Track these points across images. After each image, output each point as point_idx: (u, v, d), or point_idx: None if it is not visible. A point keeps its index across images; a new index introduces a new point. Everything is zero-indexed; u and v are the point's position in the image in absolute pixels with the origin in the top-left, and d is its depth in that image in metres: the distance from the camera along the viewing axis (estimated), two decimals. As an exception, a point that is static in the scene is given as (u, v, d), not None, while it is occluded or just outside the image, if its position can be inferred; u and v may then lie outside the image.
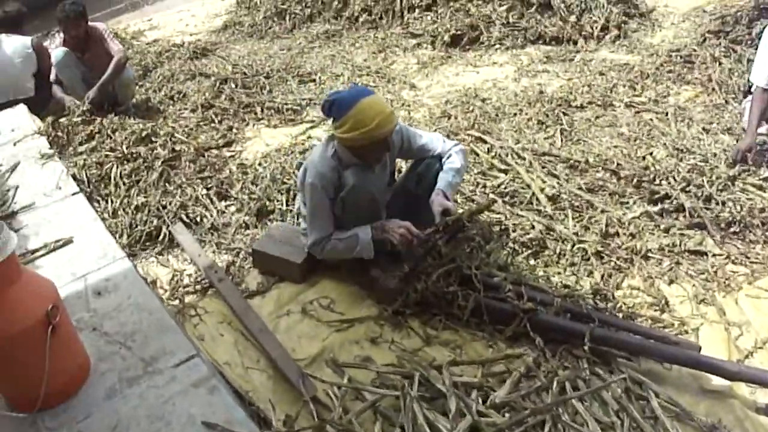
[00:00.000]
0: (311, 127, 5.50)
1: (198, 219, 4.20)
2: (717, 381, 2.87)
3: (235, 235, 4.04)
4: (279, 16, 8.39)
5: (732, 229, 3.81)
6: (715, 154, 4.42)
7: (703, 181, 4.10)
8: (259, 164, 4.81)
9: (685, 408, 2.71)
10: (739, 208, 3.87)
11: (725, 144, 4.62)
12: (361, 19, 7.89)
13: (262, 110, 5.81)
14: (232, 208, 4.33)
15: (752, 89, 4.58)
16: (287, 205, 4.23)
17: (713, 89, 5.53)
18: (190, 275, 3.72)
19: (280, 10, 8.41)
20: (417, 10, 7.69)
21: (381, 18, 7.82)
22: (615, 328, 3.07)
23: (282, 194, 4.33)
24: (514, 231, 3.80)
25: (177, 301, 3.49)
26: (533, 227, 3.83)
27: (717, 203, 3.94)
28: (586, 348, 2.92)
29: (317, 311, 3.39)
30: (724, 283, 3.49)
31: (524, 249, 3.70)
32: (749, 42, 5.98)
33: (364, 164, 3.28)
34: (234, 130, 5.50)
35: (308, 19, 8.29)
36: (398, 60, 6.95)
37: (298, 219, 3.89)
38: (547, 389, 2.68)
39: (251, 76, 6.42)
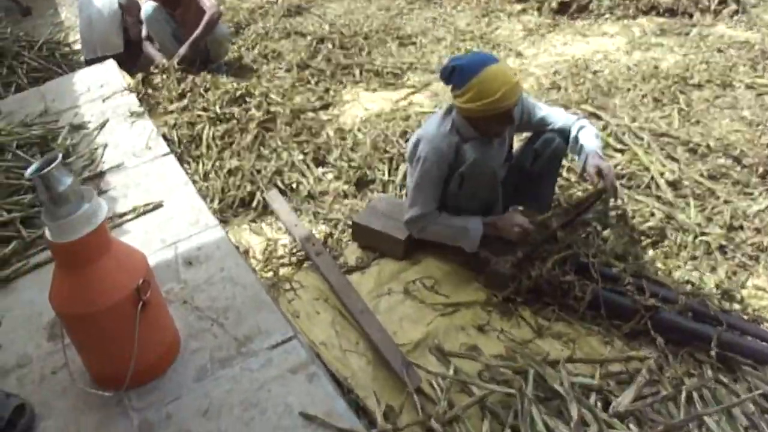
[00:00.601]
0: (412, 93, 5.26)
1: (294, 186, 4.03)
2: None
3: (333, 205, 3.85)
4: (380, -28, 8.10)
5: None
6: None
7: None
8: (359, 130, 4.61)
9: None
10: None
11: None
12: (463, -18, 7.54)
13: (360, 73, 5.59)
14: (330, 176, 4.14)
15: None
16: (389, 175, 4.02)
17: None
18: (284, 246, 3.55)
19: None
20: (525, -27, 7.30)
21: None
22: (743, 332, 2.83)
23: (383, 163, 4.12)
24: (633, 218, 3.52)
25: (271, 274, 3.33)
26: (653, 214, 3.54)
27: None
28: (712, 353, 2.67)
29: (420, 292, 3.18)
30: None
31: (643, 237, 3.42)
32: None
33: (483, 138, 3.04)
34: (331, 93, 5.30)
35: (408, -22, 7.99)
36: (503, 26, 6.62)
37: (402, 191, 3.69)
38: (673, 398, 2.46)
39: (349, 36, 6.22)
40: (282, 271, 3.36)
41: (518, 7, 6.97)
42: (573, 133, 3.18)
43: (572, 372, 2.60)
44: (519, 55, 5.89)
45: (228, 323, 2.55)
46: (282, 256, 3.46)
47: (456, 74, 2.89)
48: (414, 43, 6.24)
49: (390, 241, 3.38)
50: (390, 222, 3.41)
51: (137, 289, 2.12)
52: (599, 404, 2.44)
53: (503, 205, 3.29)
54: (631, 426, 2.32)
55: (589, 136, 3.14)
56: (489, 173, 3.05)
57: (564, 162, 3.64)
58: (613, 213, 3.53)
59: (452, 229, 3.12)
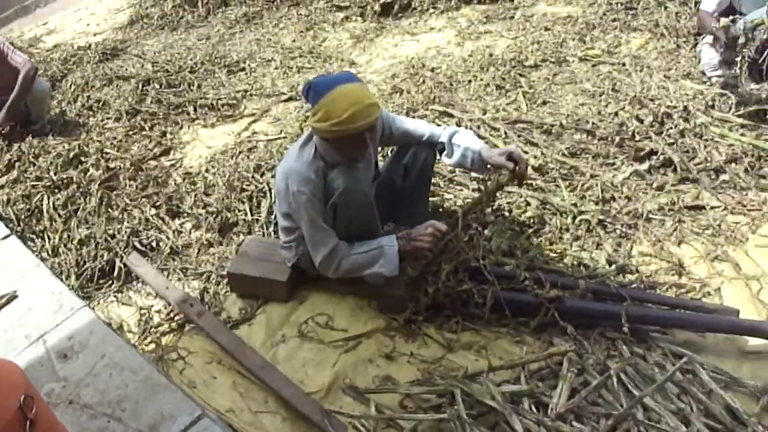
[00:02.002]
0: (253, 122, 5.06)
1: (153, 244, 3.75)
2: (753, 341, 2.76)
3: (200, 257, 3.62)
4: (190, 3, 7.85)
5: (722, 178, 3.71)
6: (685, 104, 4.22)
7: (681, 131, 3.97)
8: (207, 171, 4.37)
9: (732, 375, 2.59)
10: (723, 155, 3.80)
11: (689, 90, 4.48)
12: (280, -3, 7.44)
13: (195, 109, 5.34)
14: (188, 225, 3.90)
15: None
16: (252, 214, 3.81)
17: (662, 34, 5.39)
18: (159, 312, 3.28)
19: None
20: (339, -20, 7.29)
21: (301, -7, 7.39)
22: (644, 302, 2.90)
23: (243, 202, 3.91)
24: (510, 211, 3.52)
25: (153, 346, 3.05)
26: (528, 204, 3.57)
27: (699, 152, 3.84)
28: (626, 329, 2.71)
29: (316, 332, 3.03)
30: (731, 236, 3.37)
31: (525, 228, 3.43)
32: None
33: (346, 162, 2.89)
34: (169, 136, 5.02)
35: (223, 3, 7.81)
36: (329, 36, 6.57)
37: (273, 229, 3.49)
38: (604, 385, 2.46)
39: (175, 73, 5.92)
40: (164, 340, 3.09)
41: (340, 15, 6.93)
42: (444, 139, 3.09)
43: (495, 381, 2.54)
44: (353, 64, 5.83)
45: (126, 415, 2.30)
46: (160, 324, 3.20)
47: (311, 92, 2.74)
48: (243, 69, 6.04)
49: (271, 284, 3.21)
50: (266, 265, 3.25)
51: (20, 408, 1.83)
52: (533, 407, 2.40)
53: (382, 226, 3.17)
54: (575, 423, 2.29)
55: (468, 137, 3.06)
56: (362, 197, 2.89)
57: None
58: (488, 210, 3.51)
59: (368, 255, 2.91)
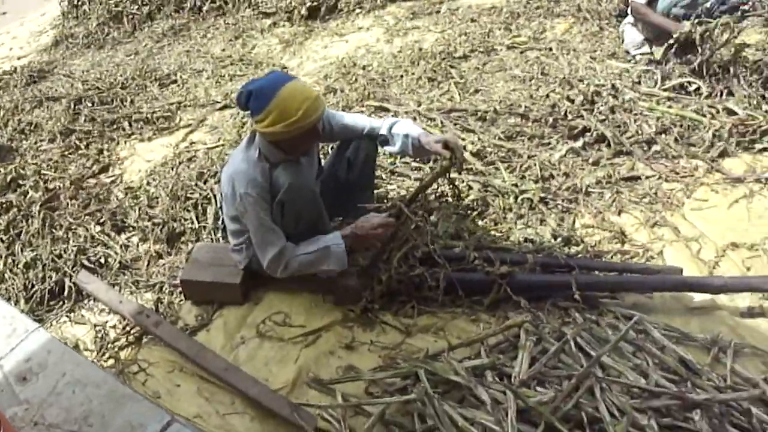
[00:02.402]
0: (190, 132, 5.02)
1: (102, 261, 3.70)
2: (699, 297, 2.94)
3: (150, 269, 3.59)
4: (115, 19, 7.73)
5: (654, 149, 3.87)
6: (612, 82, 4.38)
7: (611, 107, 4.12)
8: (148, 184, 4.33)
9: (682, 330, 2.73)
10: (653, 128, 3.95)
11: (615, 69, 4.66)
12: (205, 8, 7.42)
13: (130, 124, 5.26)
14: (135, 239, 3.86)
15: (630, 10, 4.83)
16: (198, 221, 3.80)
17: (585, 18, 5.60)
18: (115, 327, 3.24)
19: (114, 12, 7.73)
20: (264, -13, 7.28)
21: (226, 2, 7.37)
22: (591, 270, 3.01)
23: (189, 211, 3.89)
24: (453, 196, 3.58)
25: (112, 361, 3.01)
26: (470, 188, 3.65)
27: (630, 126, 3.99)
28: (577, 297, 2.81)
29: (275, 330, 3.04)
30: (668, 202, 3.52)
31: (469, 212, 3.51)
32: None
33: (291, 159, 2.92)
34: (106, 153, 4.93)
35: (148, 18, 7.69)
36: (259, 43, 6.56)
37: (221, 234, 3.49)
38: (562, 350, 2.54)
39: (106, 89, 5.81)
40: (123, 354, 3.06)
41: (268, 21, 6.92)
42: (384, 131, 3.13)
43: (457, 359, 2.60)
44: (284, 68, 5.84)
45: (94, 430, 2.28)
46: (117, 339, 3.16)
47: (253, 99, 2.74)
48: (175, 81, 5.97)
49: (225, 288, 3.21)
50: (219, 269, 3.24)
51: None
52: (497, 379, 2.46)
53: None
54: (538, 389, 2.36)
55: (408, 125, 3.10)
56: (307, 193, 2.93)
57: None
58: (432, 197, 3.58)
59: (314, 254, 2.93)
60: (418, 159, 3.76)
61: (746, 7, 4.63)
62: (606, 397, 2.26)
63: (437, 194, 3.60)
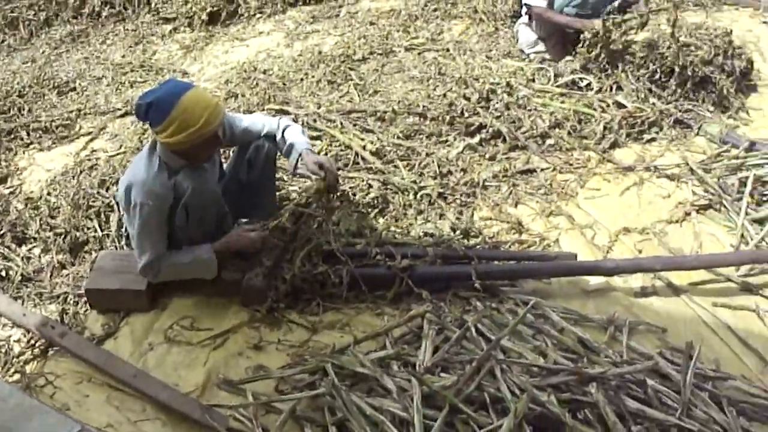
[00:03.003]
0: (90, 140, 4.87)
1: (3, 274, 3.55)
2: (594, 281, 3.11)
3: (54, 280, 3.47)
4: (11, 25, 7.33)
5: (548, 142, 4.03)
6: (507, 80, 4.51)
7: (506, 104, 4.26)
8: (48, 194, 4.16)
9: (580, 313, 2.88)
10: (547, 122, 4.11)
11: (510, 67, 4.81)
12: (104, 14, 7.12)
13: (28, 134, 5.03)
14: (37, 251, 3.71)
15: (525, 12, 5.02)
16: (102, 230, 3.70)
17: (481, 19, 5.75)
18: (19, 341, 3.12)
19: (10, 18, 7.32)
20: (162, -7, 7.14)
21: (126, 8, 7.15)
22: (489, 260, 3.11)
23: (91, 219, 3.77)
24: (354, 195, 3.63)
25: (17, 376, 2.90)
26: (370, 186, 3.69)
27: (524, 122, 4.14)
28: (477, 286, 2.89)
29: (183, 334, 3.00)
30: (562, 192, 3.68)
31: (370, 209, 3.56)
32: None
33: (194, 165, 2.92)
34: (3, 163, 4.70)
35: (45, 24, 7.32)
36: (159, 49, 6.41)
37: (125, 242, 3.41)
38: (464, 337, 2.62)
39: (2, 98, 5.54)
40: (28, 368, 2.95)
41: (168, 27, 6.78)
42: (279, 135, 3.15)
43: (363, 351, 2.64)
44: (185, 74, 5.74)
45: (0, 446, 2.19)
46: (21, 353, 3.03)
47: (152, 111, 2.71)
48: (74, 89, 5.74)
49: (131, 295, 3.14)
50: (124, 276, 3.17)
51: None
52: (402, 369, 2.51)
53: (233, 221, 3.22)
54: (442, 375, 2.42)
55: (295, 134, 3.13)
56: (211, 197, 2.96)
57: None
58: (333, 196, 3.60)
59: (186, 264, 2.98)
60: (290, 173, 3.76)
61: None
62: (507, 377, 2.34)
63: (337, 195, 3.59)
